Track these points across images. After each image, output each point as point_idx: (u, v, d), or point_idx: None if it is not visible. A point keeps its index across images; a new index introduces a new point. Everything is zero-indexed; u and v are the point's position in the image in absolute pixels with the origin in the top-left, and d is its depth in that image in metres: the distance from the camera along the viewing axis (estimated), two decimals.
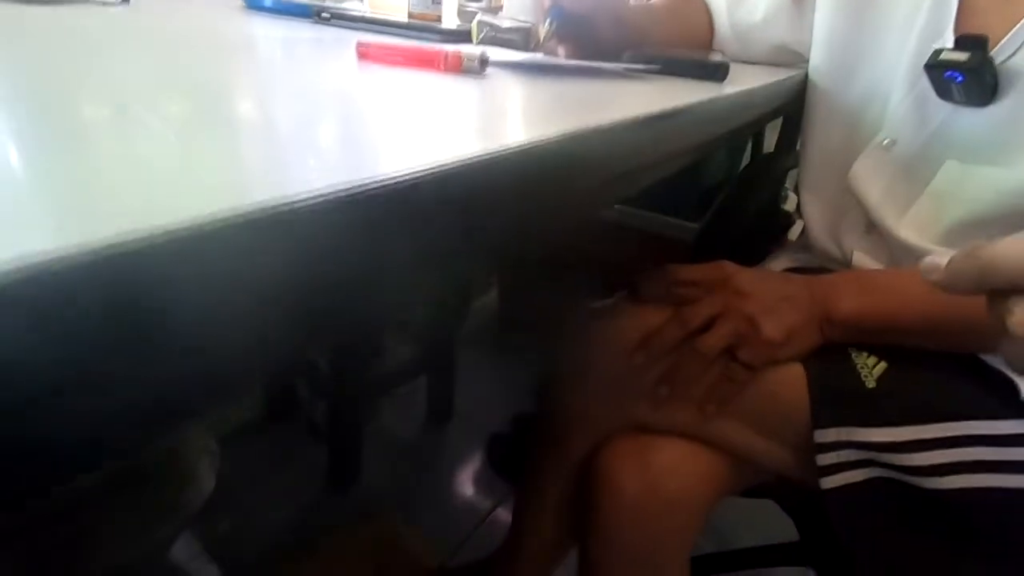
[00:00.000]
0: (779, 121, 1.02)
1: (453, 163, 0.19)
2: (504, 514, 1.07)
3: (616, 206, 1.31)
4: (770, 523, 0.90)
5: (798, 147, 0.73)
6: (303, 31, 0.57)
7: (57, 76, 0.26)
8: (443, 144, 0.23)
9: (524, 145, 0.24)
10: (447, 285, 1.17)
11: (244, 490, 1.07)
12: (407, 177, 0.18)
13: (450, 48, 0.38)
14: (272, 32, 0.56)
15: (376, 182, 0.17)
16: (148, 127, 0.20)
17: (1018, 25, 0.47)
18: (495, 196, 0.23)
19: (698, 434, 0.53)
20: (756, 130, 0.99)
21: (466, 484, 1.16)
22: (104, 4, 0.56)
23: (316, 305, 0.18)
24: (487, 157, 0.22)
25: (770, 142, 1.06)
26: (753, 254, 0.79)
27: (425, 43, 0.59)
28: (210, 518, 0.99)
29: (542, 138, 0.25)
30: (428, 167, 0.18)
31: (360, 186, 0.16)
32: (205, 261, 0.13)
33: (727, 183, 1.06)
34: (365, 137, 0.23)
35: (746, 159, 1.30)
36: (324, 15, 0.64)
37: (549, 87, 0.38)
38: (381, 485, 1.12)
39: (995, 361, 0.47)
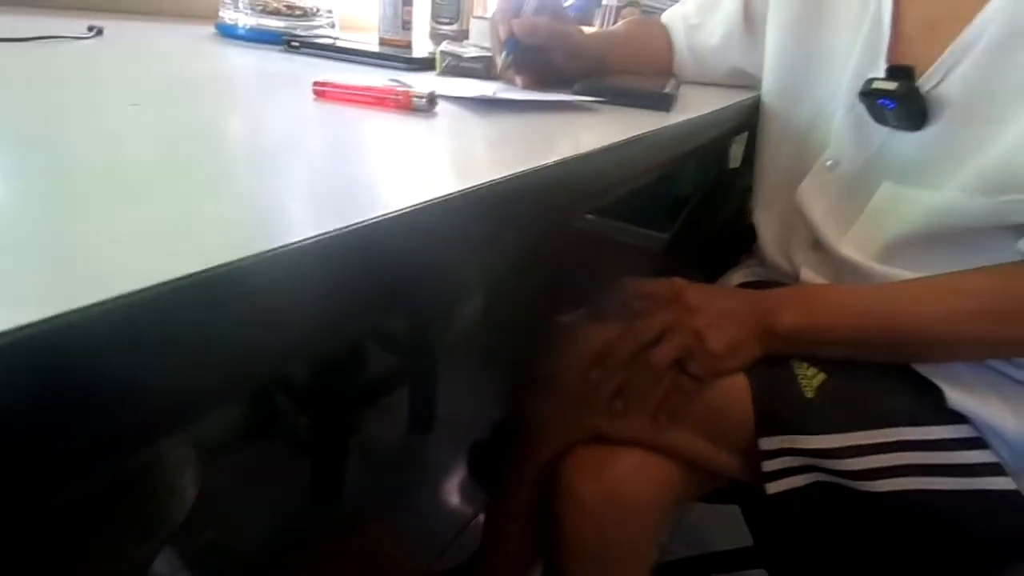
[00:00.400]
0: (745, 136, 1.05)
1: (376, 218, 0.22)
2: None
3: (590, 216, 1.34)
4: (744, 528, 0.93)
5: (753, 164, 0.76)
6: (272, 62, 0.60)
7: (9, 123, 0.28)
8: (365, 193, 0.26)
9: (463, 190, 0.26)
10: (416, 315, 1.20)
11: (227, 503, 1.09)
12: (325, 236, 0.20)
13: (400, 88, 0.40)
14: (240, 63, 0.58)
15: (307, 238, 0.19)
16: (82, 187, 0.21)
17: (942, 56, 0.51)
18: (420, 248, 0.26)
19: (653, 443, 0.56)
20: (718, 147, 1.02)
21: (449, 492, 1.18)
22: (75, 38, 0.58)
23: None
24: (417, 207, 0.24)
25: (738, 156, 1.09)
26: (720, 264, 0.82)
27: (391, 69, 0.62)
28: (193, 531, 1.00)
29: (483, 181, 0.28)
30: (347, 224, 0.21)
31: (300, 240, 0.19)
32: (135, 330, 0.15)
33: (695, 195, 1.09)
34: (308, 188, 0.25)
35: (716, 172, 1.34)
36: (294, 44, 0.67)
37: (497, 123, 0.41)
38: (365, 495, 1.13)
39: (924, 370, 0.50)
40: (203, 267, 0.16)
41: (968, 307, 0.47)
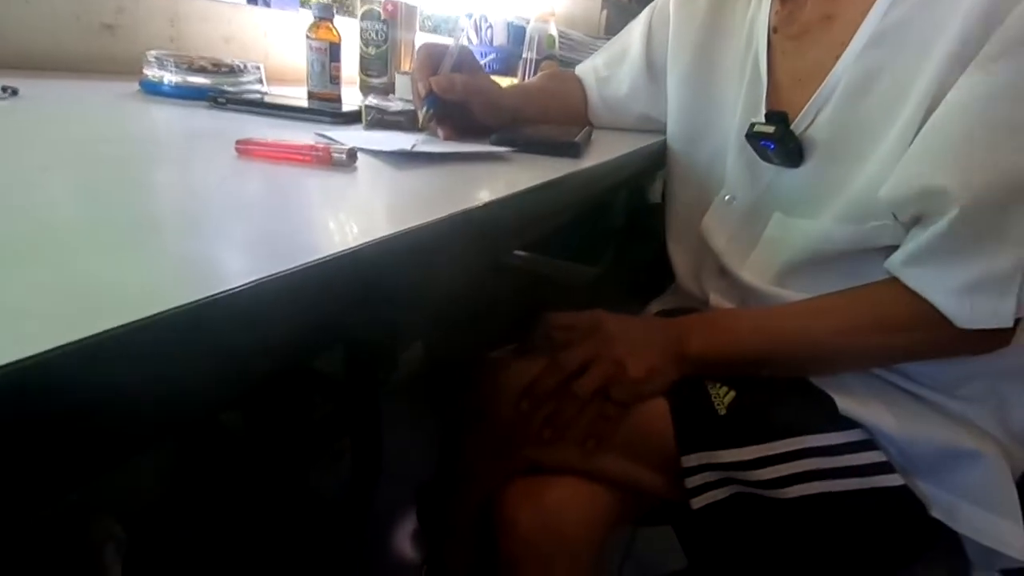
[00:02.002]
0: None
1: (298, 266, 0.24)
2: None
3: (522, 253, 1.38)
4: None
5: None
6: (197, 119, 0.61)
7: None
8: (284, 242, 0.28)
9: (390, 234, 0.29)
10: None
11: (157, 571, 1.02)
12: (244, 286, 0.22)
13: (321, 143, 0.43)
14: (163, 121, 0.59)
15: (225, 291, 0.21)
16: None
17: (809, 103, 0.58)
18: (343, 294, 0.28)
19: (585, 469, 0.58)
20: (639, 185, 1.09)
21: (401, 540, 1.15)
22: None
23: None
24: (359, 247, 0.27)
25: (658, 191, 1.17)
26: (646, 295, 0.87)
27: (318, 123, 0.64)
28: None
29: (406, 226, 0.30)
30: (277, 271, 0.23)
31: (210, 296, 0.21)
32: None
33: (623, 229, 1.15)
34: (227, 242, 0.27)
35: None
36: (220, 100, 0.68)
37: (416, 175, 0.44)
38: (314, 551, 1.09)
39: (818, 382, 0.56)
40: (85, 334, 0.16)
41: (847, 323, 0.53)
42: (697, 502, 0.55)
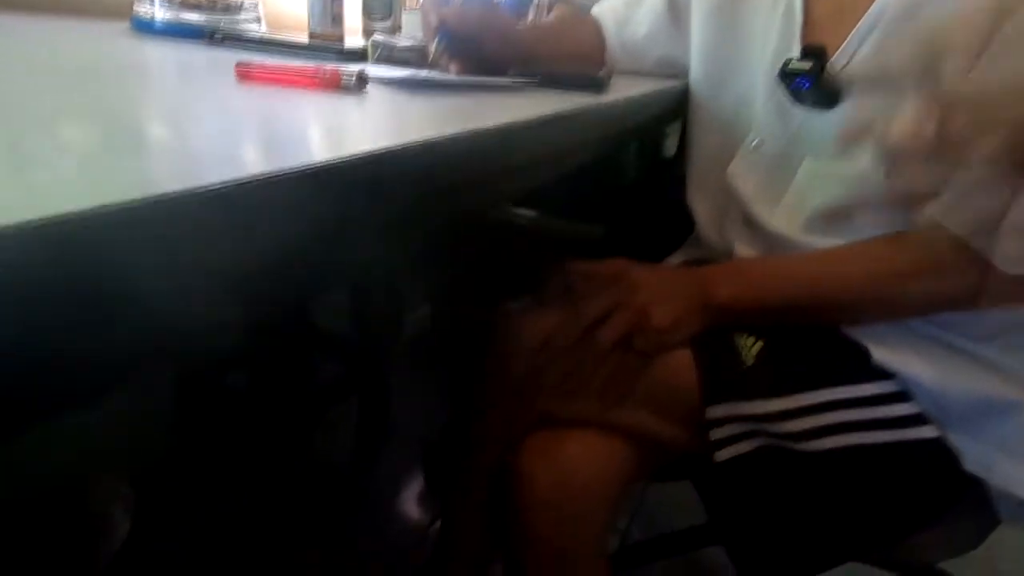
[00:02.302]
0: (679, 126, 1.09)
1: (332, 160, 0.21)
2: None
3: (529, 212, 1.35)
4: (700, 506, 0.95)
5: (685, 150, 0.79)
6: (192, 54, 0.57)
7: None
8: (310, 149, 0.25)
9: (401, 144, 0.26)
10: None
11: (167, 529, 1.02)
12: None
13: (328, 66, 0.39)
14: (157, 55, 0.55)
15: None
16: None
17: (849, 37, 0.54)
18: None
19: (604, 423, 0.56)
20: (652, 135, 1.05)
21: (407, 500, 1.15)
22: None
23: None
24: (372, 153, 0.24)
25: (673, 145, 1.13)
26: (658, 252, 0.84)
27: (322, 61, 0.60)
28: (127, 564, 0.94)
29: (422, 139, 0.27)
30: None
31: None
32: None
33: (633, 186, 1.12)
34: (238, 144, 0.24)
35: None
36: (217, 36, 0.64)
37: (429, 101, 0.41)
38: (318, 510, 1.09)
39: (851, 332, 0.53)
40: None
41: (886, 269, 0.50)
42: (722, 455, 0.53)
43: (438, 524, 1.08)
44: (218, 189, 0.17)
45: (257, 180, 0.19)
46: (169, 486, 1.11)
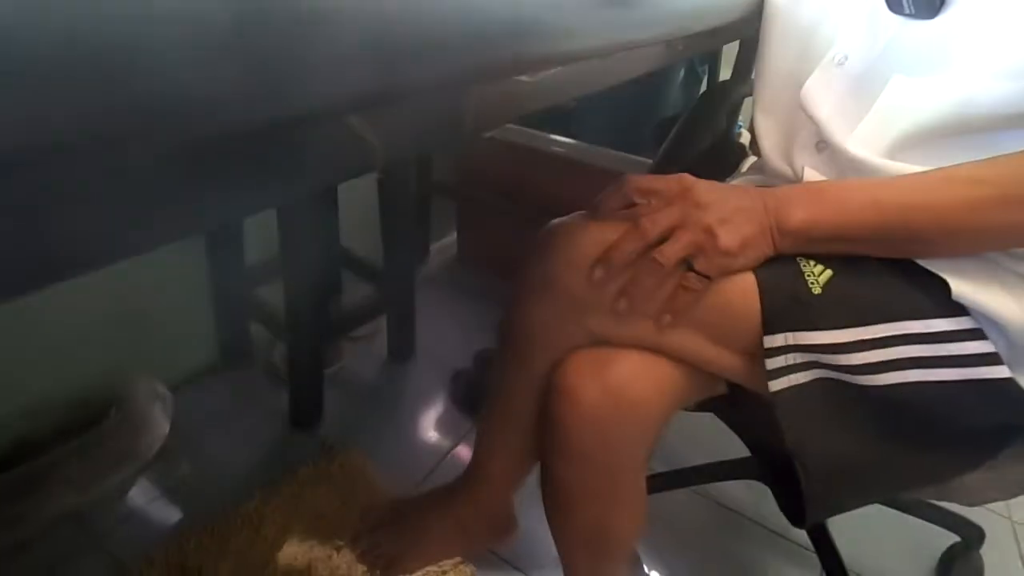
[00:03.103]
0: (735, 50, 1.02)
1: None
2: (465, 451, 1.10)
3: (569, 140, 1.29)
4: (716, 442, 0.96)
5: (753, 71, 0.73)
6: None
7: None
8: None
9: None
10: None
11: (204, 432, 1.06)
12: None
13: None
14: None
15: None
16: None
17: None
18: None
19: (657, 345, 0.54)
20: (711, 52, 0.98)
21: (429, 422, 1.17)
22: None
23: None
24: None
25: (727, 73, 1.06)
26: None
27: None
28: (169, 461, 0.98)
29: None
30: None
31: None
32: None
33: (682, 115, 1.06)
34: None
35: (702, 88, 1.31)
36: None
37: None
38: (345, 425, 1.12)
39: (930, 264, 0.50)
40: None
41: (989, 195, 0.46)
42: (775, 385, 0.51)
43: (459, 448, 1.10)
44: None
45: None
46: (207, 390, 1.14)
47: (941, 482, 0.55)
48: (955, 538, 0.97)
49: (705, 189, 0.51)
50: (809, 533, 0.92)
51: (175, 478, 0.97)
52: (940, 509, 0.93)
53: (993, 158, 0.47)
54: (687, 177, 0.53)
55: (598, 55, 0.42)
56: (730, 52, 1.04)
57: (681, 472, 1.03)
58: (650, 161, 1.21)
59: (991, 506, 1.14)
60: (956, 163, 0.48)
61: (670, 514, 1.01)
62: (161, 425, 0.98)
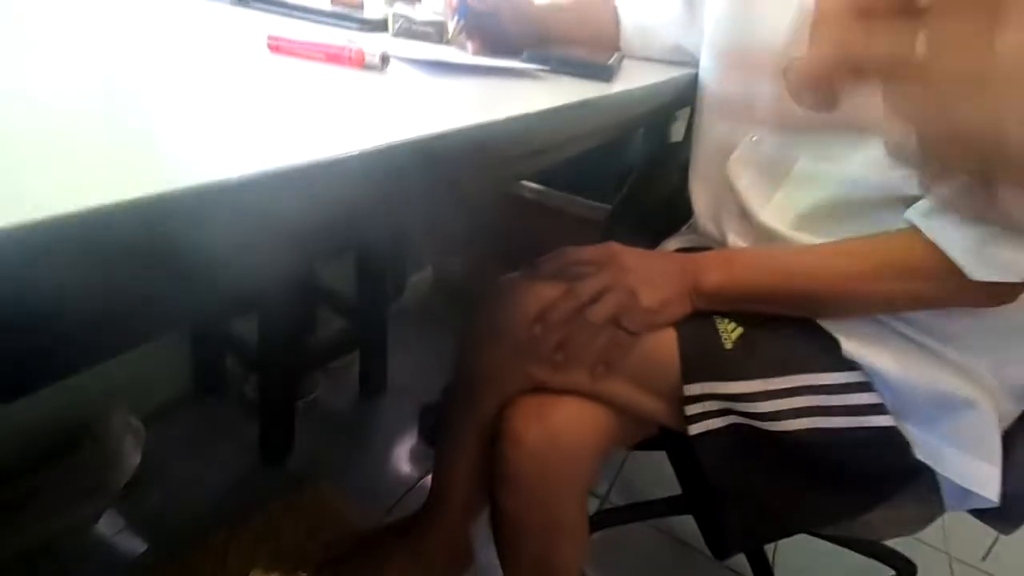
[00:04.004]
0: (688, 111, 1.10)
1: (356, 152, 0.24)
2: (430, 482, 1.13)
3: (537, 187, 1.37)
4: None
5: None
6: (221, 15, 0.59)
7: None
8: (333, 134, 0.28)
9: (413, 138, 0.29)
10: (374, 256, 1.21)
11: (175, 462, 1.08)
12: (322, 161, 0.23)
13: (354, 46, 0.42)
14: (189, 14, 0.57)
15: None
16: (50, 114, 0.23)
17: None
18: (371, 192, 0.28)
19: (591, 392, 0.60)
20: (662, 121, 1.07)
21: (398, 455, 1.21)
22: None
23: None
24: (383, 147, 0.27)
25: (681, 131, 1.14)
26: (658, 235, 0.87)
27: (343, 28, 0.62)
28: (138, 491, 1.00)
29: (432, 132, 0.30)
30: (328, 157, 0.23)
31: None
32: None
33: (637, 169, 1.14)
34: (270, 126, 0.27)
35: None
36: None
37: (446, 84, 0.43)
38: (314, 457, 1.15)
39: (825, 324, 0.57)
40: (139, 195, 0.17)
41: (861, 267, 0.53)
42: (695, 428, 0.57)
43: (427, 479, 1.14)
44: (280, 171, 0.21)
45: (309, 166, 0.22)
46: (180, 420, 1.17)
47: (847, 519, 0.61)
48: (891, 572, 1.02)
49: (629, 256, 0.58)
50: (753, 567, 0.97)
51: (144, 509, 1.00)
52: (875, 544, 0.99)
53: (873, 235, 0.54)
54: (614, 245, 0.60)
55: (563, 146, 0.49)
56: (685, 111, 1.13)
57: (636, 506, 1.08)
58: (609, 207, 1.29)
59: (928, 540, 1.20)
60: (847, 236, 0.56)
61: (626, 546, 1.06)
62: (132, 458, 1.01)
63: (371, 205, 0.30)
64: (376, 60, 0.41)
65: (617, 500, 1.17)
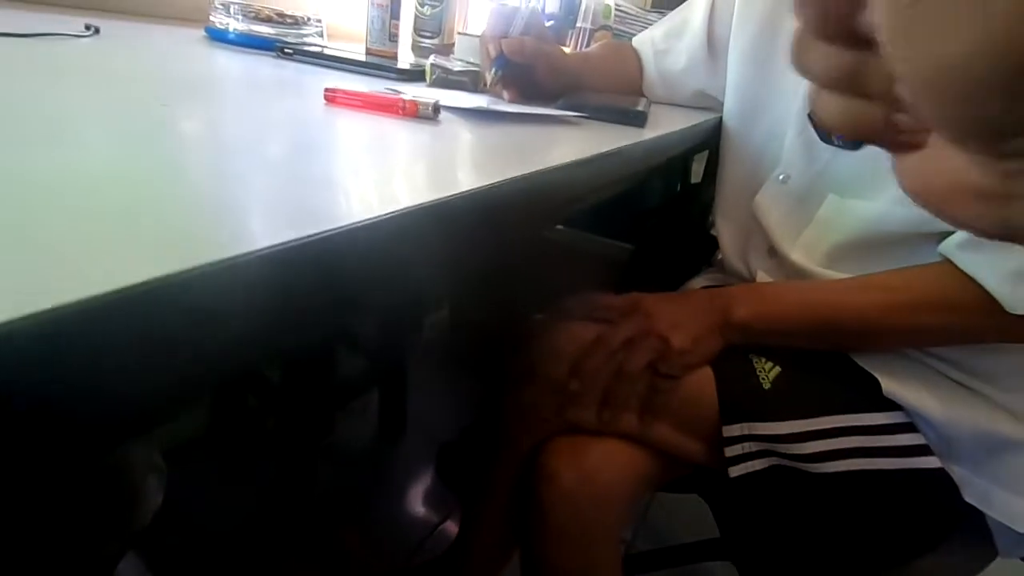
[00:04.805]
0: (706, 154, 1.13)
1: (417, 205, 0.25)
2: (452, 527, 1.11)
3: (560, 227, 1.39)
4: (704, 521, 0.99)
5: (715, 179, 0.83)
6: (267, 67, 0.62)
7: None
8: (408, 185, 0.29)
9: (473, 189, 0.30)
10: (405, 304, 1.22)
11: (195, 503, 1.07)
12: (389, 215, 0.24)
13: (408, 97, 0.44)
14: (239, 67, 0.60)
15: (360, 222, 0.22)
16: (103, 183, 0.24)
17: None
18: (454, 228, 0.29)
19: (629, 434, 0.60)
20: (681, 163, 1.09)
21: (418, 497, 1.19)
22: (73, 36, 0.59)
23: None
24: (448, 198, 0.28)
25: (699, 172, 1.17)
26: (681, 274, 0.88)
27: (384, 80, 0.65)
28: (158, 534, 0.99)
29: (490, 181, 0.31)
30: (401, 208, 0.24)
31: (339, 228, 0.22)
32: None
33: (659, 209, 1.16)
34: (341, 182, 0.29)
35: (678, 187, 1.42)
36: (287, 51, 0.69)
37: (494, 133, 0.45)
38: (334, 498, 1.14)
39: (864, 363, 0.57)
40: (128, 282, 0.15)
41: (900, 300, 0.53)
42: (735, 471, 0.57)
43: (447, 524, 1.12)
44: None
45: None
46: (200, 461, 1.16)
47: (894, 567, 0.60)
48: None
49: (652, 301, 0.59)
50: None
51: (163, 551, 0.98)
52: None
53: (905, 268, 0.55)
54: (636, 294, 0.61)
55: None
56: (702, 154, 1.15)
57: (665, 551, 1.05)
58: (631, 247, 1.30)
59: None
60: (878, 271, 0.56)
61: None
62: (154, 498, 1.00)
63: (426, 256, 0.31)
64: (429, 111, 0.43)
65: (642, 545, 1.14)
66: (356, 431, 1.31)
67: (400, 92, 0.54)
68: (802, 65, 0.15)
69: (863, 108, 0.14)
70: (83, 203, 0.20)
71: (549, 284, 1.04)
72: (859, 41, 0.13)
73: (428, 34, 0.99)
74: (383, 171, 0.32)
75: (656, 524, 1.19)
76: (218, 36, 0.74)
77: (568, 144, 0.49)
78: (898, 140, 0.14)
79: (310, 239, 0.20)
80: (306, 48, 0.72)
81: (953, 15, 0.10)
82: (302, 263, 0.21)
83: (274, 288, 0.20)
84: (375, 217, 0.23)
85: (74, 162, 0.24)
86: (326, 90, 0.44)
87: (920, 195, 0.14)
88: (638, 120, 0.58)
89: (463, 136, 0.43)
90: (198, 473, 1.14)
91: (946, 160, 0.13)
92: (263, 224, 0.22)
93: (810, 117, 0.50)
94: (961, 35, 0.10)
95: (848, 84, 0.14)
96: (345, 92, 0.44)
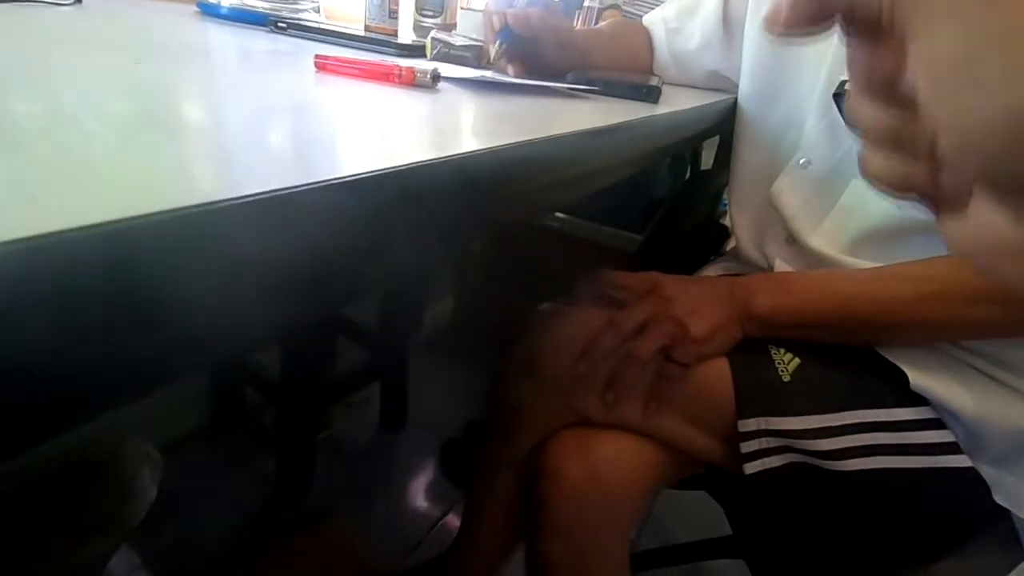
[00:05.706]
0: (716, 140, 1.09)
1: (412, 163, 0.22)
2: (454, 521, 1.09)
3: (565, 217, 1.36)
4: (707, 518, 0.96)
5: (729, 165, 0.79)
6: (258, 40, 0.59)
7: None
8: (400, 149, 0.26)
9: (474, 152, 0.27)
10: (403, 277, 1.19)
11: (192, 497, 1.05)
12: (370, 174, 0.20)
13: (404, 63, 0.40)
14: (229, 40, 0.57)
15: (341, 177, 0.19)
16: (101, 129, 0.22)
17: None
18: (450, 195, 0.26)
19: (639, 428, 0.57)
20: (692, 147, 1.06)
21: (419, 491, 1.16)
22: (55, 4, 0.56)
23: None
24: (442, 160, 0.25)
25: (708, 160, 1.13)
26: (691, 264, 0.84)
27: (381, 54, 0.62)
28: (154, 528, 0.97)
29: (491, 145, 0.28)
30: (390, 167, 0.21)
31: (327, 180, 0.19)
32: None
33: (668, 198, 1.12)
34: (330, 141, 0.26)
35: (687, 175, 1.38)
36: (280, 25, 0.66)
37: (497, 102, 0.42)
38: (334, 492, 1.11)
39: (890, 355, 0.53)
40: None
41: (932, 290, 0.50)
42: (750, 467, 0.53)
43: (448, 518, 1.09)
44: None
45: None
46: (198, 454, 1.14)
47: (914, 568, 0.56)
48: None
49: (672, 284, 0.56)
50: None
51: (158, 545, 0.96)
52: None
53: (936, 257, 0.51)
54: (655, 274, 0.57)
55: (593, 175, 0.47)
56: (712, 141, 1.11)
57: (671, 549, 1.02)
58: (638, 237, 1.27)
59: None
60: (905, 261, 0.53)
61: None
62: (149, 492, 0.98)
63: (393, 229, 0.27)
64: (427, 78, 0.40)
65: (647, 543, 1.11)
66: (356, 425, 1.28)
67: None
68: (854, 120, 0.16)
69: (909, 166, 0.15)
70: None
71: (554, 275, 1.01)
72: (903, 101, 0.14)
73: (430, 12, 0.95)
74: (371, 134, 0.29)
75: (660, 520, 1.16)
76: (210, 11, 0.71)
77: (577, 114, 0.45)
78: (942, 199, 0.15)
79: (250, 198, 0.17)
80: (301, 23, 0.68)
81: (991, 79, 0.11)
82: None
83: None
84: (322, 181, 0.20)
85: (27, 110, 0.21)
86: (317, 56, 0.40)
87: (966, 254, 0.14)
88: (651, 95, 0.54)
89: (464, 105, 0.40)
90: (195, 466, 1.11)
91: (989, 219, 0.13)
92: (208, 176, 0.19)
93: (836, 96, 0.46)
94: (997, 98, 0.11)
95: (894, 142, 0.15)
96: (337, 59, 0.40)
